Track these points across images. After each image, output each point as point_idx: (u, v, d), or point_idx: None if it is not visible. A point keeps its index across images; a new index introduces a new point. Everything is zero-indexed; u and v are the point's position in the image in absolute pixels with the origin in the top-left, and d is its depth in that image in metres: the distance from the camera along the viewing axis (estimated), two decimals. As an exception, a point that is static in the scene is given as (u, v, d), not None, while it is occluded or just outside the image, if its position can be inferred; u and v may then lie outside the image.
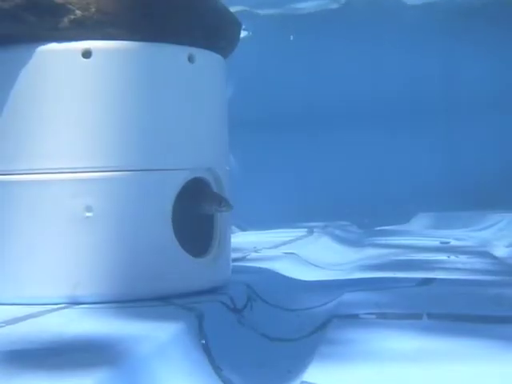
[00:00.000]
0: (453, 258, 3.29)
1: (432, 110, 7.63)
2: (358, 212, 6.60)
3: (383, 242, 4.42)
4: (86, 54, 1.84)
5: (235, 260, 2.47)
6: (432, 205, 6.67)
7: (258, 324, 1.88)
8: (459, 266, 2.98)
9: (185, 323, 1.57)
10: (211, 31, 2.03)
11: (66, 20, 1.84)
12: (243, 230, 5.28)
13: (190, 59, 1.95)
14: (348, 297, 2.09)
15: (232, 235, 2.17)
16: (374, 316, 1.77)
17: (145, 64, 1.89)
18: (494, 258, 3.45)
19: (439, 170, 7.52)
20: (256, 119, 7.52)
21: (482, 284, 2.40)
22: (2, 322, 1.58)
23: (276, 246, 3.68)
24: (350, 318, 1.78)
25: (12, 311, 1.71)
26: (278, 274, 2.60)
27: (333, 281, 2.68)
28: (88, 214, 1.81)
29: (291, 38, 7.58)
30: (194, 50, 1.96)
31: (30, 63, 1.84)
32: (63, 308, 1.76)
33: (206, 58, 2.01)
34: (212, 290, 1.95)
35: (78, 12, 1.84)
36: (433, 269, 2.85)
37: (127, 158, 1.85)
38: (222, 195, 2.02)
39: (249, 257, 3.10)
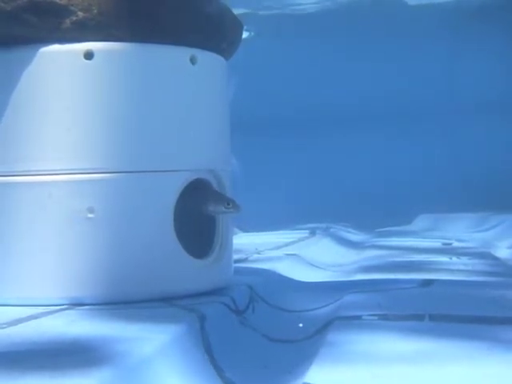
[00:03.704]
0: (454, 259, 3.29)
1: (433, 111, 7.64)
2: (360, 213, 6.60)
3: (385, 243, 4.42)
4: (88, 55, 1.84)
5: (237, 261, 2.47)
6: (434, 206, 6.67)
7: (259, 325, 1.88)
8: (461, 267, 2.98)
9: (187, 324, 1.57)
10: (213, 33, 2.03)
11: (68, 21, 1.84)
12: (245, 231, 5.28)
13: (192, 61, 1.95)
14: (350, 298, 2.09)
15: (234, 236, 2.17)
16: (375, 317, 1.77)
17: (147, 65, 1.89)
18: (496, 259, 3.45)
19: (441, 171, 7.52)
20: (258, 121, 7.53)
21: (484, 285, 2.40)
22: (4, 323, 1.58)
23: (278, 248, 3.68)
24: (352, 320, 1.78)
25: (13, 312, 1.71)
26: (279, 275, 2.60)
27: (334, 282, 2.68)
28: (90, 215, 1.81)
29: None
30: (195, 52, 1.96)
31: (32, 64, 1.84)
32: (65, 309, 1.76)
33: (207, 60, 2.01)
34: (214, 292, 1.95)
35: (80, 13, 1.84)
36: (434, 270, 2.85)
37: (129, 160, 1.85)
38: (229, 196, 2.02)
39: (251, 258, 3.10)
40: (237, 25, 2.16)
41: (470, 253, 3.63)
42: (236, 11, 2.20)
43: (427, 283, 2.33)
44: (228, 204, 1.97)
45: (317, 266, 3.22)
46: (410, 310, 1.86)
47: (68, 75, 1.84)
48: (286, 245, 3.88)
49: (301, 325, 1.89)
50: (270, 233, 4.96)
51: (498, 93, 7.45)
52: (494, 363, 1.35)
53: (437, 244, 4.22)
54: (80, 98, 1.84)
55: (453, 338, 1.54)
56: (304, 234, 4.69)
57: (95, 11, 1.85)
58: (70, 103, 1.84)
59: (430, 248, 3.99)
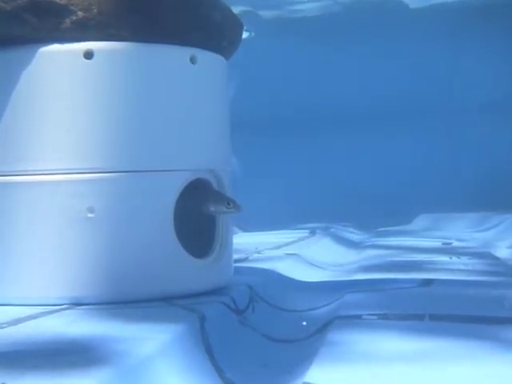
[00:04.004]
0: (455, 258, 3.29)
1: (434, 110, 7.63)
2: (360, 213, 6.59)
3: (385, 242, 4.42)
4: (88, 54, 1.84)
5: (237, 261, 2.47)
6: (434, 206, 6.67)
7: (259, 325, 1.88)
8: (461, 266, 2.98)
9: (187, 324, 1.57)
10: (213, 32, 2.03)
11: (67, 21, 1.84)
12: (245, 230, 5.29)
13: (192, 60, 1.95)
14: (350, 298, 2.09)
15: (234, 236, 2.17)
16: (375, 317, 1.77)
17: (147, 65, 1.89)
18: (496, 259, 3.45)
19: (441, 170, 7.51)
20: (258, 121, 7.52)
21: (484, 285, 2.40)
22: (4, 323, 1.58)
23: (278, 247, 3.68)
24: (352, 319, 1.78)
25: (13, 312, 1.71)
26: (279, 274, 2.60)
27: (335, 282, 2.68)
28: (90, 215, 1.81)
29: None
30: (195, 51, 1.96)
31: (32, 64, 1.84)
32: (64, 309, 1.76)
33: (207, 59, 2.01)
34: (214, 291, 1.95)
35: (80, 13, 1.84)
36: (434, 270, 2.85)
37: (129, 159, 1.85)
38: (229, 196, 2.01)
39: (251, 258, 3.10)
40: (237, 24, 2.16)
41: (470, 252, 3.63)
42: (235, 9, 2.20)
43: (427, 283, 2.33)
44: (229, 204, 1.97)
45: (317, 266, 3.22)
46: (410, 309, 1.86)
47: (68, 75, 1.84)
48: (286, 244, 3.88)
49: (304, 323, 1.89)
50: (270, 232, 4.96)
51: (499, 92, 7.44)
52: (495, 363, 1.35)
53: (437, 244, 4.22)
54: (80, 97, 1.84)
55: (453, 338, 1.54)
56: (304, 233, 4.69)
57: (95, 11, 1.84)
58: (70, 103, 1.83)
59: (430, 248, 3.99)
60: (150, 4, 1.90)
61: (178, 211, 1.89)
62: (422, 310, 1.81)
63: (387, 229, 5.82)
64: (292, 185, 7.60)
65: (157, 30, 1.91)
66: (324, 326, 1.81)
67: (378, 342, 1.52)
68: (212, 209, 1.98)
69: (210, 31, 2.02)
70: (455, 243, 4.27)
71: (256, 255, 3.22)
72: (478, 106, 7.44)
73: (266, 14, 8.06)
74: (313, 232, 4.75)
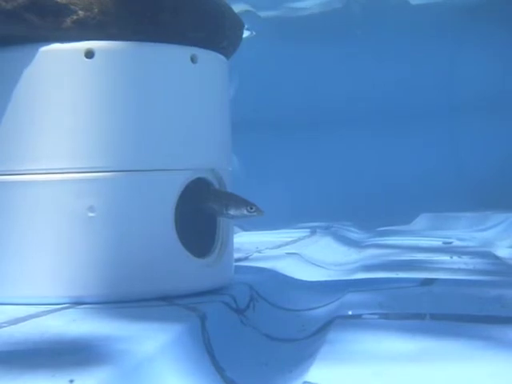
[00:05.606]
0: (455, 258, 3.29)
1: (434, 110, 7.63)
2: (361, 212, 6.59)
3: (385, 242, 4.42)
4: (89, 54, 1.84)
5: (238, 260, 2.47)
6: (434, 205, 6.66)
7: (260, 324, 1.88)
8: (462, 266, 2.98)
9: (187, 323, 1.57)
10: (214, 31, 2.03)
11: (68, 20, 1.84)
12: (245, 230, 5.29)
13: (193, 59, 1.95)
14: (350, 297, 2.09)
15: (234, 235, 2.17)
16: (376, 316, 1.77)
17: (147, 64, 1.89)
18: (497, 258, 3.45)
19: (442, 170, 7.51)
20: (258, 119, 7.53)
21: (485, 284, 2.40)
22: (4, 322, 1.58)
23: (278, 247, 3.68)
24: (353, 319, 1.78)
25: (14, 311, 1.71)
26: (280, 274, 2.60)
27: (335, 281, 2.68)
28: (91, 214, 1.81)
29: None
30: (196, 51, 1.96)
31: (33, 63, 1.84)
32: (65, 308, 1.76)
33: (208, 59, 2.01)
34: (214, 291, 1.95)
35: (81, 12, 1.84)
36: (435, 269, 2.84)
37: (130, 159, 1.85)
38: (248, 200, 1.98)
39: (251, 257, 3.10)
40: (237, 23, 2.16)
41: (470, 252, 3.62)
42: (236, 9, 2.19)
43: (428, 282, 2.33)
44: (251, 208, 1.95)
45: (317, 265, 3.22)
46: (411, 308, 1.86)
47: (69, 74, 1.84)
48: (287, 244, 3.88)
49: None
50: (271, 232, 4.96)
51: (499, 92, 7.44)
52: (496, 362, 1.35)
53: (437, 243, 4.21)
54: (81, 96, 1.84)
55: (453, 337, 1.54)
56: (305, 232, 4.69)
57: (96, 10, 1.85)
58: (71, 102, 1.83)
59: (430, 247, 3.99)
60: (151, 3, 1.91)
61: (178, 210, 1.89)
62: (422, 310, 1.81)
63: (388, 228, 5.81)
64: (292, 184, 7.60)
65: (157, 29, 1.91)
66: (325, 326, 1.81)
67: (379, 342, 1.52)
68: (232, 213, 1.96)
69: (211, 30, 2.02)
70: (456, 242, 4.27)
71: (256, 254, 3.22)
72: (479, 105, 7.44)
73: (267, 12, 8.06)
74: (313, 231, 4.75)
